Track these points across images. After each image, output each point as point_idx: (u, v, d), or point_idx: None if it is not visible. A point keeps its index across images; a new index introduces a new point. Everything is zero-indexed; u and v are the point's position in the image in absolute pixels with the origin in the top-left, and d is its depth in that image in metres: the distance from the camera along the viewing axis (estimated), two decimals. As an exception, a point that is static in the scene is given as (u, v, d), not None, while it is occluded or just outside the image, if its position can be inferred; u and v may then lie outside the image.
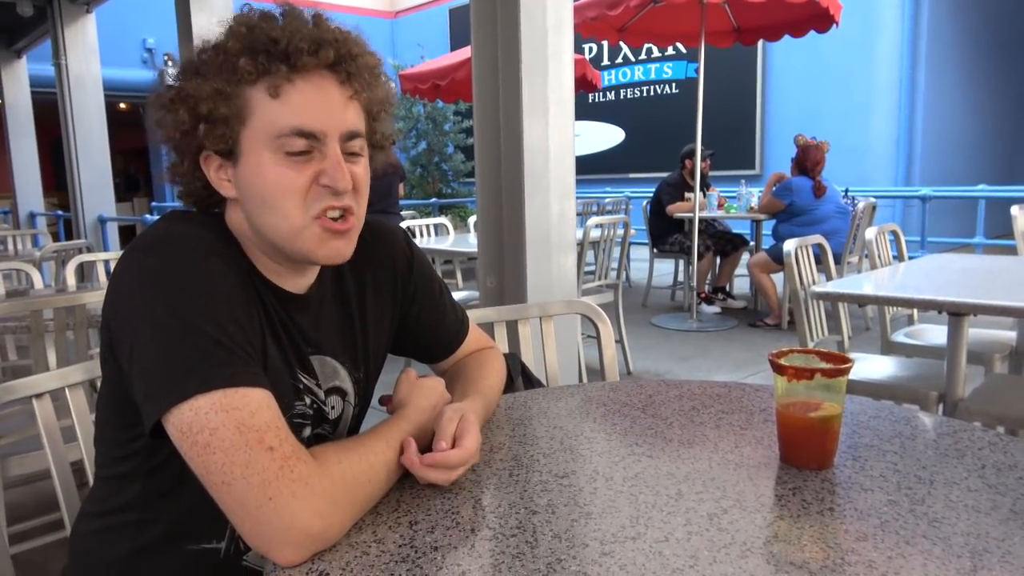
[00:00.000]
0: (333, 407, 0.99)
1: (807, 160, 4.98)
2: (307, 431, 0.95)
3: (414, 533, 0.74)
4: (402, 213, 6.11)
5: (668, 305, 6.23)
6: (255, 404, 0.74)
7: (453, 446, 0.85)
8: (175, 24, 4.33)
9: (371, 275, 1.04)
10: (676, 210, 5.69)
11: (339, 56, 0.85)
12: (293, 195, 0.84)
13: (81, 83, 7.17)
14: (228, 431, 0.72)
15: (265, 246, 0.90)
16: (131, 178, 16.04)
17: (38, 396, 1.13)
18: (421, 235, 5.04)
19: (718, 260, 5.86)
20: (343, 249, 0.89)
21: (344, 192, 0.85)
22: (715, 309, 5.68)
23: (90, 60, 7.24)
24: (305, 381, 0.94)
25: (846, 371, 0.88)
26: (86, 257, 3.43)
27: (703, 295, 5.66)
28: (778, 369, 0.89)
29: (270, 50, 0.83)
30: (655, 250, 6.02)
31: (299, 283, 0.95)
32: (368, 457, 0.79)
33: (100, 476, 0.95)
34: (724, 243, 5.78)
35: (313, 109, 0.84)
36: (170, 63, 11.13)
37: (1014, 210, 3.86)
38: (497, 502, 0.83)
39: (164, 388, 0.74)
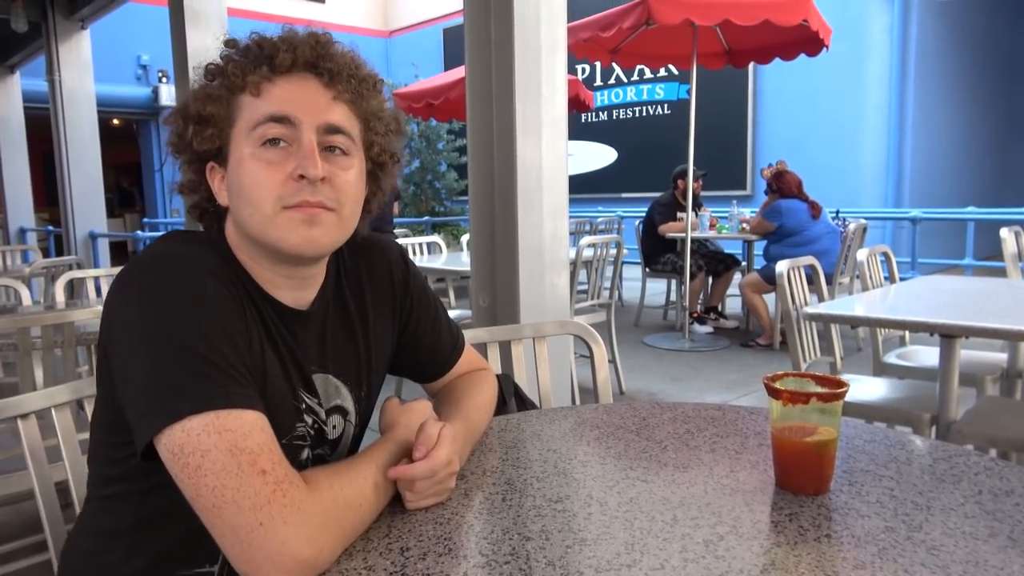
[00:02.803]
0: (335, 426, 0.98)
1: (790, 185, 5.04)
2: (306, 452, 0.93)
3: (405, 560, 0.73)
4: (395, 231, 6.11)
5: (660, 325, 6.23)
6: (248, 426, 0.73)
7: None
8: (169, 41, 4.34)
9: (370, 291, 1.04)
10: (668, 230, 5.71)
11: (317, 55, 0.88)
12: (267, 185, 0.85)
13: (74, 99, 7.17)
14: (220, 454, 0.71)
15: (255, 251, 0.89)
16: (125, 192, 16.02)
17: (23, 416, 1.11)
18: (414, 253, 5.03)
19: (710, 280, 5.87)
20: (316, 238, 0.87)
21: (315, 180, 0.85)
22: (707, 329, 5.68)
23: (84, 76, 7.25)
24: (307, 400, 0.93)
25: (842, 395, 0.87)
26: (76, 274, 3.40)
27: (695, 315, 5.67)
28: (773, 393, 0.88)
29: (254, 55, 0.88)
30: (647, 270, 6.03)
31: (299, 297, 0.94)
32: (358, 481, 0.78)
33: (92, 497, 0.93)
34: (716, 263, 5.80)
35: (290, 99, 0.86)
36: (165, 80, 11.12)
37: (1003, 232, 3.89)
38: (490, 528, 0.81)
39: (156, 409, 0.73)
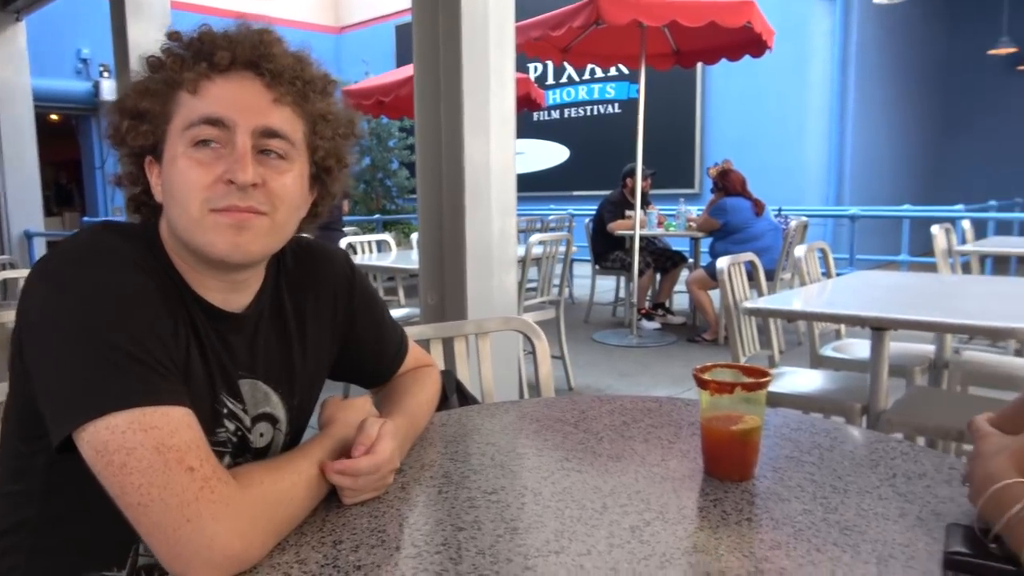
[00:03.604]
0: (262, 434, 0.96)
1: (735, 184, 5.17)
2: (226, 460, 0.91)
3: (338, 552, 0.74)
4: (344, 230, 6.05)
5: (610, 321, 6.31)
6: (175, 423, 0.73)
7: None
8: (111, 34, 4.23)
9: (312, 298, 1.02)
10: (617, 228, 5.79)
11: (259, 55, 0.85)
12: (196, 186, 0.83)
13: (9, 93, 6.93)
14: (146, 451, 0.70)
15: (185, 251, 0.88)
16: (63, 190, 15.50)
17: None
18: (363, 252, 5.00)
19: (658, 277, 5.97)
20: (244, 244, 0.84)
21: (245, 185, 0.82)
22: (655, 325, 5.78)
23: (20, 70, 7.02)
24: (230, 406, 0.91)
25: (765, 384, 0.91)
26: (10, 274, 3.28)
27: (643, 311, 5.76)
28: (701, 384, 0.92)
29: (195, 50, 0.86)
30: (597, 267, 6.10)
31: (232, 300, 0.92)
32: (291, 476, 0.78)
33: (1, 492, 0.90)
34: (664, 260, 5.90)
35: (226, 100, 0.84)
36: (106, 74, 10.73)
37: (934, 229, 4.05)
38: (424, 520, 0.83)
39: (77, 403, 0.72)
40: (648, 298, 5.96)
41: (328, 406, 0.96)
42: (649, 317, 5.81)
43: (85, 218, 11.91)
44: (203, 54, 0.85)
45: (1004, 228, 7.71)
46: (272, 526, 0.74)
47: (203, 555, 0.68)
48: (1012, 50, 9.83)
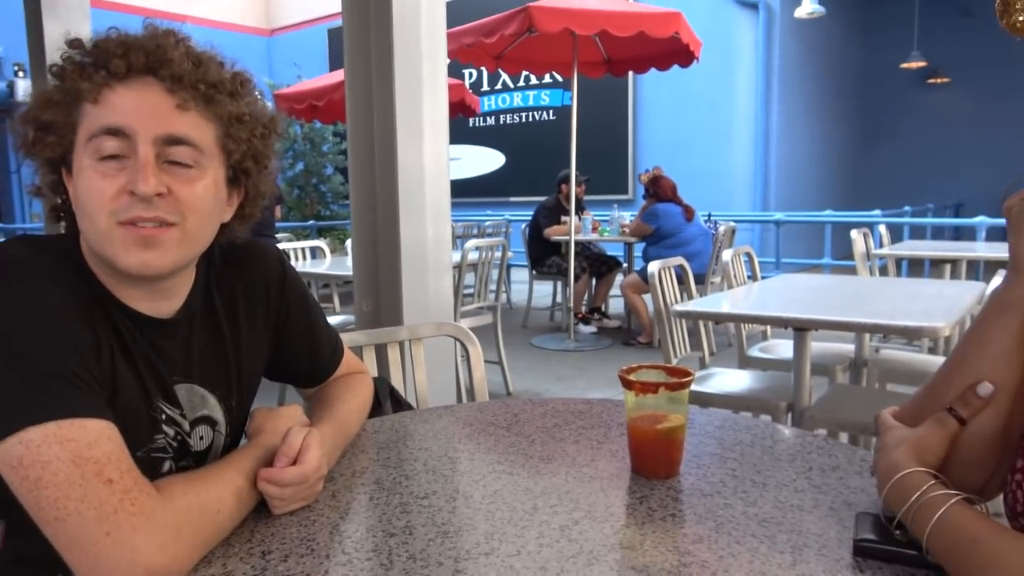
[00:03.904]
0: (202, 437, 0.95)
1: (665, 190, 5.30)
2: (167, 465, 0.90)
3: (266, 563, 0.73)
4: (277, 236, 5.94)
5: (547, 326, 6.36)
6: (94, 435, 0.71)
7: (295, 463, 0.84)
8: (25, 32, 4.06)
9: (243, 297, 1.01)
10: (553, 233, 5.86)
11: (157, 60, 0.83)
12: (100, 199, 0.80)
13: (-88, 93, 6.55)
14: (63, 464, 0.68)
15: (104, 263, 0.86)
16: (-27, 197, 14.71)
17: None
18: (297, 258, 4.91)
19: (594, 281, 6.06)
20: (152, 261, 0.82)
21: (148, 196, 0.80)
22: (591, 329, 5.86)
23: (-76, 68, 6.64)
24: (167, 411, 0.90)
25: (687, 384, 0.94)
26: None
27: (580, 315, 5.83)
28: (627, 384, 0.94)
29: (93, 57, 0.83)
30: (534, 272, 6.15)
31: (161, 307, 0.90)
32: (216, 487, 0.77)
33: None
34: (599, 265, 5.99)
35: (127, 109, 0.81)
36: (21, 74, 10.21)
37: (853, 234, 4.24)
38: (355, 527, 0.82)
39: None
40: (584, 303, 6.04)
41: (257, 416, 0.95)
42: (586, 321, 5.89)
43: (0, 225, 11.33)
44: (101, 62, 0.83)
45: (918, 232, 8.11)
46: (197, 538, 0.72)
47: (124, 570, 0.66)
48: (922, 64, 10.38)
